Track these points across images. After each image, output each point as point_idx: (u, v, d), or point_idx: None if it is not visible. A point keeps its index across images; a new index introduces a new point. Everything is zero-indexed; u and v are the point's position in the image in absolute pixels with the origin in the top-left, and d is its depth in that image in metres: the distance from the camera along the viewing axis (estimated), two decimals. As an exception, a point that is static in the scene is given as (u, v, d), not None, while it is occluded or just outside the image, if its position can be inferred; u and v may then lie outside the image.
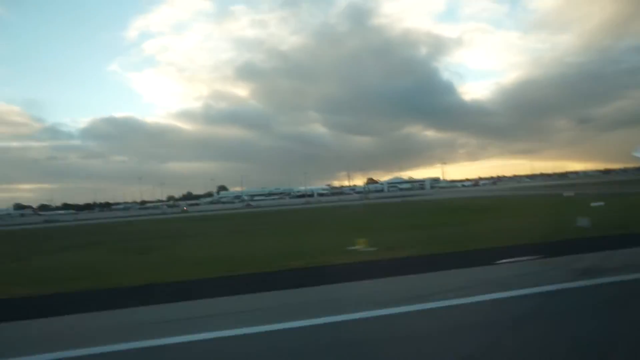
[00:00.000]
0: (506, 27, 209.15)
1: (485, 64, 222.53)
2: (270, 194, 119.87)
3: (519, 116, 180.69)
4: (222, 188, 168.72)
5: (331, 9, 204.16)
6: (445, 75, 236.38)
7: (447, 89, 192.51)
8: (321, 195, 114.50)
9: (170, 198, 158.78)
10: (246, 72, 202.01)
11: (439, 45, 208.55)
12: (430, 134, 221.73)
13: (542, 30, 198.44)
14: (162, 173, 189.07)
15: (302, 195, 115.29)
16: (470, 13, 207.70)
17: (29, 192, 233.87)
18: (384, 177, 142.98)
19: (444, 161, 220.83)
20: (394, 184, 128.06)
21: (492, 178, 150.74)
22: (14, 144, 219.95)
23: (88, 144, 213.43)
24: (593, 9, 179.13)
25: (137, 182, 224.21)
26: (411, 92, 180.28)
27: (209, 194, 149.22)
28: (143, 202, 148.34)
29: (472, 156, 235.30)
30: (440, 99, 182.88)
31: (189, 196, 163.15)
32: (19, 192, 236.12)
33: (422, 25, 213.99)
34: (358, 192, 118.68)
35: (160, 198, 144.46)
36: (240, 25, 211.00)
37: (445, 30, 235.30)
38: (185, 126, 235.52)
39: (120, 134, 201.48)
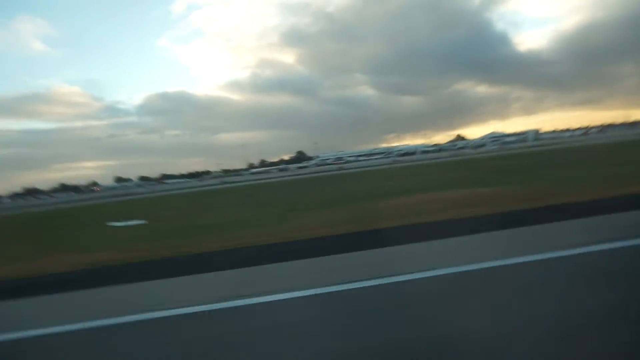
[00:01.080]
0: None
1: (543, 10, 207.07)
2: (372, 154, 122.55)
3: (579, 64, 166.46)
4: (300, 153, 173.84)
5: None
6: (500, 25, 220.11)
7: (501, 41, 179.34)
8: (425, 152, 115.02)
9: (250, 166, 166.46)
10: (292, 37, 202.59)
11: None
12: (482, 89, 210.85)
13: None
14: (214, 144, 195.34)
15: (406, 154, 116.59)
16: None
17: (94, 169, 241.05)
18: (436, 138, 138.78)
19: (501, 117, 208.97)
20: (496, 138, 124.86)
21: (596, 127, 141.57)
22: (77, 123, 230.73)
23: (144, 119, 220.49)
24: None
25: (191, 155, 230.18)
26: (462, 47, 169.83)
27: (286, 161, 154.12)
28: (226, 171, 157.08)
29: (528, 110, 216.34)
30: (494, 51, 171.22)
31: (264, 163, 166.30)
32: (84, 170, 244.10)
33: None
34: (460, 148, 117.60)
35: (225, 168, 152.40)
36: None
37: None
38: (234, 96, 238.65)
39: (173, 108, 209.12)
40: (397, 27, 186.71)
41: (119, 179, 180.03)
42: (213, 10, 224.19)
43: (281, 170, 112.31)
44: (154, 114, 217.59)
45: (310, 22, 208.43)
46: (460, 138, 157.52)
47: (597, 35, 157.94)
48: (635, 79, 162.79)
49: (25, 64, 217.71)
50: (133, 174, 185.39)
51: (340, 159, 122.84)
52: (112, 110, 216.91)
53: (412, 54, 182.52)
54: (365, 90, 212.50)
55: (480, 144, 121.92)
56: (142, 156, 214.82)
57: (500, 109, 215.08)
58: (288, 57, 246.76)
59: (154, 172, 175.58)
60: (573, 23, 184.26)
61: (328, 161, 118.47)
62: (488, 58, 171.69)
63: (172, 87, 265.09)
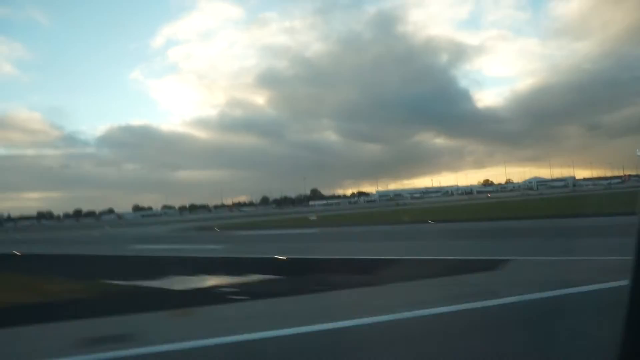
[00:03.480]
0: (526, 34, 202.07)
1: (502, 71, 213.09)
2: (427, 192, 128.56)
3: (529, 123, 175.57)
4: (314, 192, 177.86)
5: (362, 16, 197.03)
6: (463, 82, 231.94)
7: (463, 96, 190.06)
8: (480, 192, 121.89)
9: (264, 200, 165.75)
10: (266, 79, 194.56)
11: (460, 52, 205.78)
12: (440, 141, 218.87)
13: (562, 37, 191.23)
14: (172, 181, 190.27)
15: (464, 193, 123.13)
16: (493, 20, 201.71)
17: (36, 201, 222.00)
18: (391, 186, 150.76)
19: (453, 168, 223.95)
20: (542, 182, 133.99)
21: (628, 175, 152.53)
22: (30, 151, 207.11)
23: (102, 152, 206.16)
24: (616, 16, 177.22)
25: (145, 191, 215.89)
26: (427, 100, 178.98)
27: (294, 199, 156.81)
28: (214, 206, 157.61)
29: (479, 163, 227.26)
30: (455, 106, 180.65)
31: (267, 200, 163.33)
32: (24, 202, 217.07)
33: (445, 32, 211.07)
34: (511, 190, 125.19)
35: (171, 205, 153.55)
36: (268, 32, 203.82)
37: (467, 37, 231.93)
38: (199, 134, 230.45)
39: (135, 141, 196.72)
40: (369, 77, 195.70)
41: (137, 208, 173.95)
42: (192, 46, 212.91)
43: (351, 203, 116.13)
44: (114, 147, 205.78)
45: (287, 66, 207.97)
46: (488, 182, 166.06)
47: (547, 98, 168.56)
48: (576, 140, 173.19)
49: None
50: (77, 206, 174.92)
51: (399, 195, 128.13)
52: (70, 140, 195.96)
53: (379, 103, 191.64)
54: (330, 136, 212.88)
55: (529, 187, 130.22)
56: (93, 189, 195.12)
57: (454, 160, 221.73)
58: (259, 99, 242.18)
59: (99, 207, 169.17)
60: (528, 85, 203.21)
61: (388, 197, 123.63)
62: (449, 112, 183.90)
63: (137, 121, 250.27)
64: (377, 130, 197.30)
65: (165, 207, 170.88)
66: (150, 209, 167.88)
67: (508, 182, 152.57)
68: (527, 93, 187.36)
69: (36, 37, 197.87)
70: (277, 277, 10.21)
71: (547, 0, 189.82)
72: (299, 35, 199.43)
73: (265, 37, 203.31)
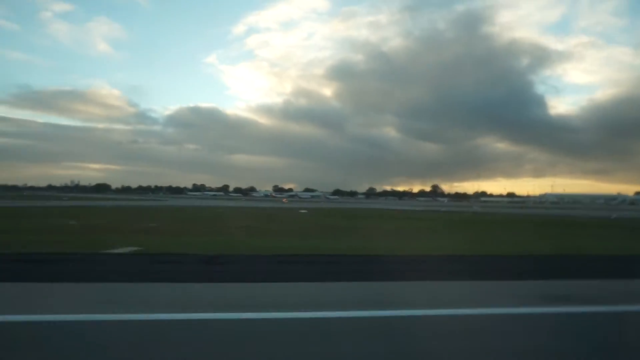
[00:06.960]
0: (618, 42, 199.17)
1: (584, 79, 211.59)
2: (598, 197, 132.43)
3: (603, 135, 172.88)
4: (436, 188, 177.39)
5: (449, 15, 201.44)
6: (540, 88, 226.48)
7: (537, 103, 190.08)
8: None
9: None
10: (337, 71, 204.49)
11: (542, 57, 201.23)
12: (501, 146, 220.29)
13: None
14: (226, 163, 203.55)
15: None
16: (584, 26, 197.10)
17: (96, 171, 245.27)
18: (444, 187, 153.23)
19: (509, 175, 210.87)
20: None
21: None
22: (102, 125, 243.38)
23: (167, 130, 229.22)
24: None
25: (200, 170, 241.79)
26: (498, 103, 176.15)
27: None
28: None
29: (538, 172, 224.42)
30: (526, 112, 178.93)
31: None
32: (85, 171, 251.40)
33: (531, 35, 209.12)
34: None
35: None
36: (350, 25, 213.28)
37: (553, 42, 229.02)
38: (262, 120, 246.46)
39: (200, 123, 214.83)
40: (443, 76, 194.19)
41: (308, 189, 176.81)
42: (271, 35, 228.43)
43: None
44: (179, 126, 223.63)
45: (362, 60, 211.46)
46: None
47: (628, 110, 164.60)
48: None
49: (83, 63, 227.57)
50: (134, 181, 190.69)
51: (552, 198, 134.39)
52: (142, 117, 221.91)
53: (447, 103, 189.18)
54: (389, 132, 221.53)
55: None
56: (152, 166, 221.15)
57: (512, 167, 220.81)
58: (326, 90, 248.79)
59: (155, 183, 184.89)
60: (609, 94, 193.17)
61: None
62: (518, 117, 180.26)
63: (205, 103, 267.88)
64: (439, 130, 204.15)
65: (306, 189, 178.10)
66: (291, 190, 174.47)
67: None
68: (607, 103, 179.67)
69: (134, 18, 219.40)
70: None
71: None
72: (380, 30, 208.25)
73: (346, 29, 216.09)
